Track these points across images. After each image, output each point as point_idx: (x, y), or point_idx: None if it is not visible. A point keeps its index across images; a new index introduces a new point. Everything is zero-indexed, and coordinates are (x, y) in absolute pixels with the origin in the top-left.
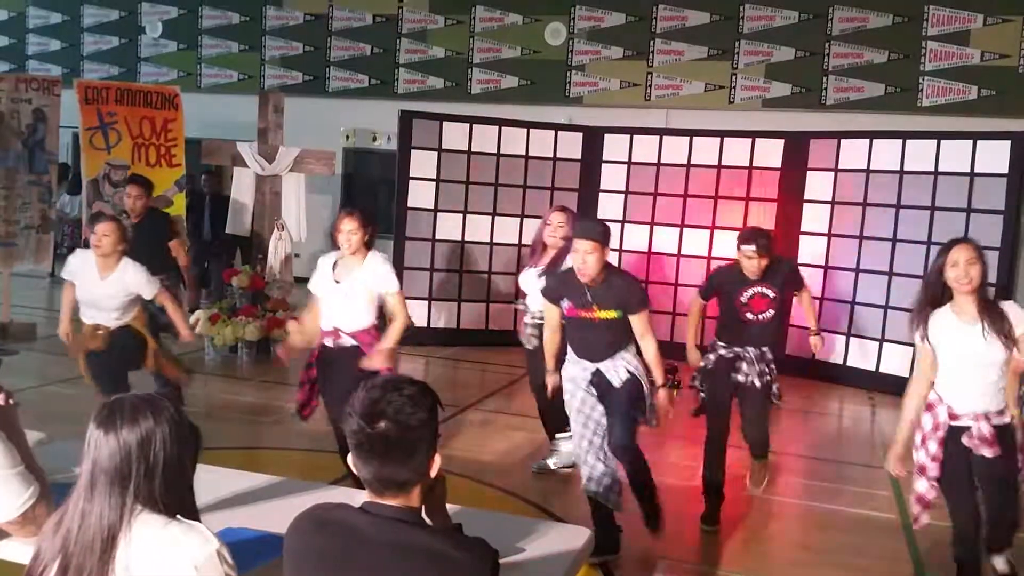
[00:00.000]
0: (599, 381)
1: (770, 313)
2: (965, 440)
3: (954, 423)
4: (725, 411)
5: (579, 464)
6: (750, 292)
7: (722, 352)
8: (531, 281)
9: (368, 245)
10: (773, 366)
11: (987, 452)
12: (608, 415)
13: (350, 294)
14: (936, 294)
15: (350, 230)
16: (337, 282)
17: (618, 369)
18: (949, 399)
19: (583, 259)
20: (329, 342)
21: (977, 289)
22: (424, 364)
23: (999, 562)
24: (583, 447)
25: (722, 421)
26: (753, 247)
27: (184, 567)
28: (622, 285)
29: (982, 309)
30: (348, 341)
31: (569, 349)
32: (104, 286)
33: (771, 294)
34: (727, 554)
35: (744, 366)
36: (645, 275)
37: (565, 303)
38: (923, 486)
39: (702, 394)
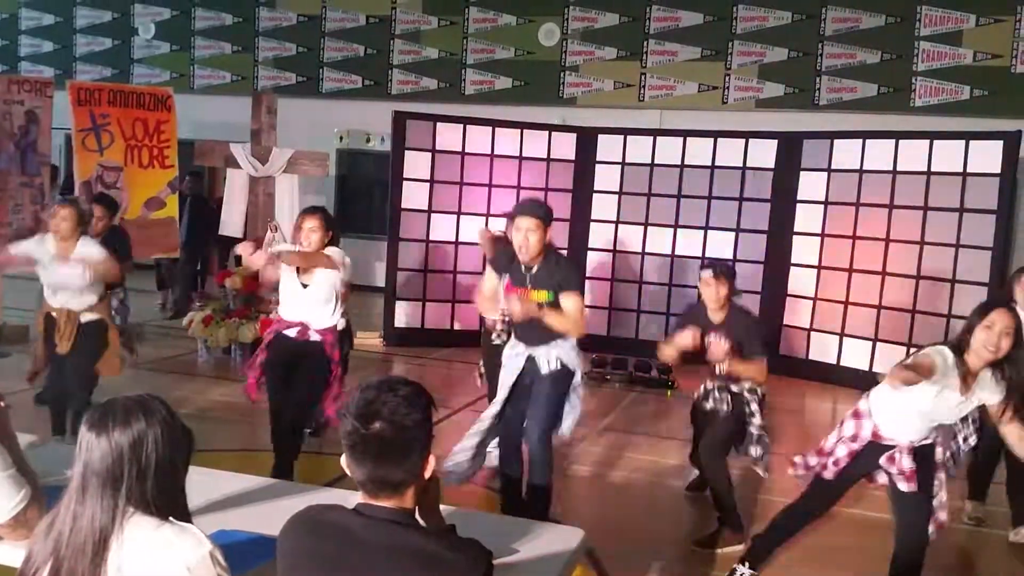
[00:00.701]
0: (530, 368)
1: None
2: (883, 462)
3: (876, 441)
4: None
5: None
6: (711, 337)
7: (707, 383)
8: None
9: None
10: (750, 408)
11: (903, 486)
12: (530, 407)
13: (317, 295)
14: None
15: (311, 228)
16: (305, 285)
17: (550, 358)
18: (881, 423)
19: (525, 236)
20: (292, 333)
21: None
22: (419, 365)
23: None
24: (482, 428)
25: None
26: (710, 272)
27: (177, 569)
28: (560, 267)
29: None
30: (314, 336)
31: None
32: (68, 267)
33: (727, 345)
34: (721, 555)
35: (716, 393)
36: (639, 276)
37: (506, 278)
38: (813, 460)
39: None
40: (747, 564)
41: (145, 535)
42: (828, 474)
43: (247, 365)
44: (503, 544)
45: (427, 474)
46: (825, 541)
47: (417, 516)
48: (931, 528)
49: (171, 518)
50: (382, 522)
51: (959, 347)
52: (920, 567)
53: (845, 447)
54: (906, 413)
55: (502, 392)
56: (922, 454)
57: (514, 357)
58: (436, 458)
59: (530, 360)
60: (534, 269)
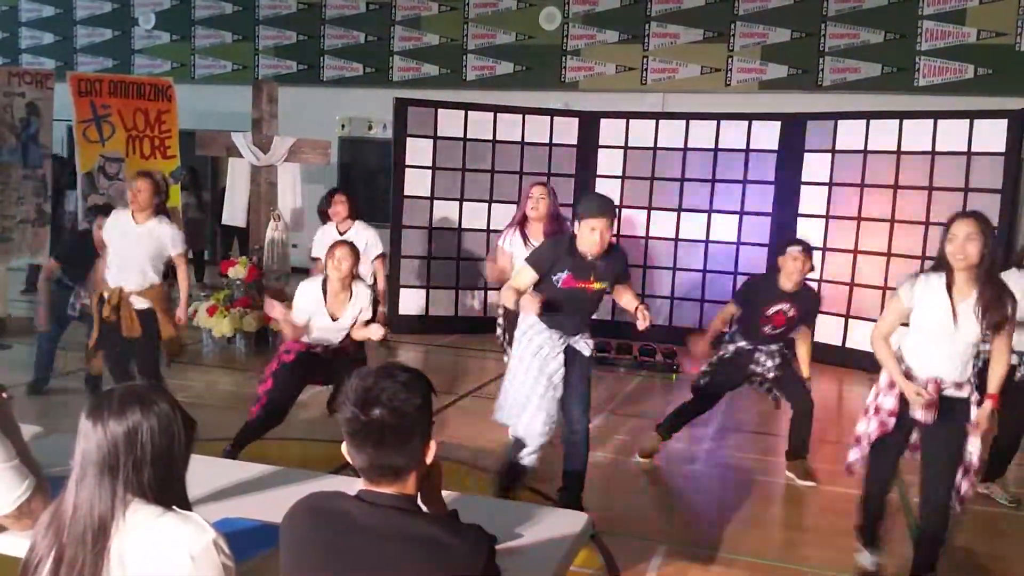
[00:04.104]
0: (573, 353)
1: (783, 330)
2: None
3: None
4: (720, 393)
5: (510, 417)
6: (775, 308)
7: (742, 344)
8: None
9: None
10: (790, 356)
11: (919, 415)
12: (568, 394)
13: (344, 326)
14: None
15: (342, 255)
16: (335, 319)
17: (587, 343)
18: (910, 361)
19: (600, 235)
20: (318, 350)
21: (974, 266)
22: (423, 352)
23: None
24: (531, 404)
25: (711, 400)
26: (800, 248)
27: (180, 557)
28: (619, 258)
29: (981, 289)
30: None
31: (535, 321)
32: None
33: (792, 314)
34: (727, 537)
35: (762, 358)
36: (643, 260)
37: (563, 274)
38: (855, 454)
39: (706, 371)
40: (864, 546)
41: (147, 524)
42: (889, 427)
43: (262, 382)
44: (507, 528)
45: (429, 459)
46: (826, 523)
47: (419, 502)
48: (954, 502)
49: (174, 507)
50: (384, 508)
51: (940, 264)
52: (942, 542)
53: (892, 397)
54: (922, 340)
55: (557, 374)
56: (952, 407)
57: (551, 340)
58: (441, 444)
59: (567, 347)
60: (599, 262)
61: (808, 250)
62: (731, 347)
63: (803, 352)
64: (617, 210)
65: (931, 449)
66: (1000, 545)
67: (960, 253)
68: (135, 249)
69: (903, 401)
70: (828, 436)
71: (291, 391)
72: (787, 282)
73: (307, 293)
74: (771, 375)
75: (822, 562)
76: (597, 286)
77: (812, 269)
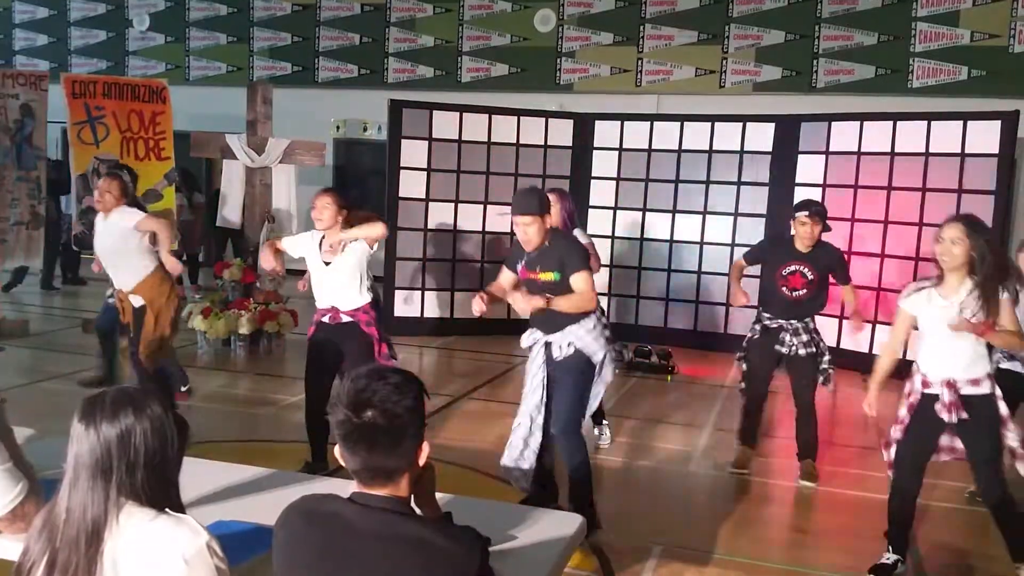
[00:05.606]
0: (547, 356)
1: (804, 292)
2: (936, 407)
3: (926, 391)
4: (764, 382)
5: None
6: (791, 268)
7: (766, 323)
8: None
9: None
10: (818, 336)
11: (945, 416)
12: (554, 396)
13: (341, 270)
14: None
15: (324, 204)
16: (327, 263)
17: (563, 344)
18: (924, 367)
19: (524, 232)
20: (327, 319)
21: (961, 266)
22: (418, 354)
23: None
24: (517, 428)
25: (760, 390)
26: (807, 212)
27: (174, 560)
28: (562, 247)
29: (973, 288)
30: (345, 318)
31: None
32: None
33: (810, 276)
34: (722, 538)
35: (787, 337)
36: (638, 261)
37: (519, 265)
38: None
39: (743, 366)
40: (890, 549)
41: (140, 526)
42: (897, 433)
43: None
44: (501, 530)
45: (421, 461)
46: (820, 523)
47: (413, 504)
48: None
49: (167, 510)
50: (377, 510)
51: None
52: (1019, 523)
53: (905, 405)
54: (928, 344)
55: (536, 390)
56: (975, 405)
57: (535, 348)
58: (437, 446)
59: (547, 347)
60: (540, 252)
61: (816, 213)
62: (756, 326)
63: (850, 299)
64: (541, 202)
65: (972, 449)
66: (992, 544)
67: (946, 255)
68: (107, 243)
69: (921, 407)
70: (823, 437)
71: (316, 374)
72: (801, 245)
73: (304, 236)
74: (802, 353)
75: (818, 563)
76: (544, 277)
77: (828, 230)
